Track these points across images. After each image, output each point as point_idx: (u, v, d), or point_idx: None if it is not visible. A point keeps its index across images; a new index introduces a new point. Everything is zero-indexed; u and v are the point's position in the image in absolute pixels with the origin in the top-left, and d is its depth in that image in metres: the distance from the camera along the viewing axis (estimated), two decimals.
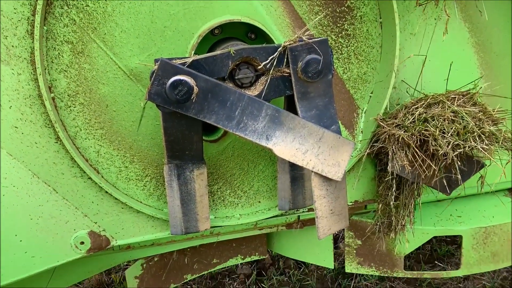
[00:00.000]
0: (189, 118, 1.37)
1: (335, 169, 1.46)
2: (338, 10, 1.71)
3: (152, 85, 1.28)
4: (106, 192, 1.62)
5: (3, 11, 1.35)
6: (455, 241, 3.64)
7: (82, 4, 1.42)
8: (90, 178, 1.59)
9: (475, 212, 2.11)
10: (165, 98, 1.29)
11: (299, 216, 2.00)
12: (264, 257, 2.24)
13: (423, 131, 1.56)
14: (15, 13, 1.36)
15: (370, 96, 1.86)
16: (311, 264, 3.48)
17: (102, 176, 1.63)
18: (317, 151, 1.42)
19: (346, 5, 1.71)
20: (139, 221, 1.72)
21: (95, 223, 1.67)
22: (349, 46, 1.77)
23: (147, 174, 1.69)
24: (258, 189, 1.84)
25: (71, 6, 1.41)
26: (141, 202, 1.71)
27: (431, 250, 3.60)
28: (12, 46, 1.39)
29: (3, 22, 1.36)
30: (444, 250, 3.56)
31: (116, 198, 1.65)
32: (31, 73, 1.43)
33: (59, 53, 1.45)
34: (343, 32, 1.74)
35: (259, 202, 1.86)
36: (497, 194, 2.15)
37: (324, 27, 1.72)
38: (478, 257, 2.10)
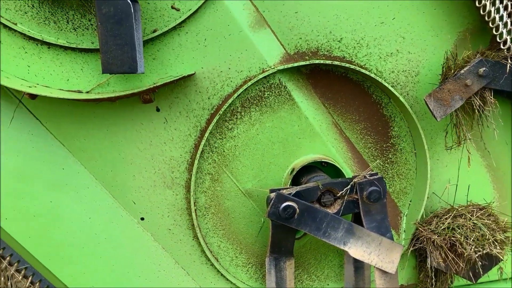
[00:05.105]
0: (290, 227, 2.04)
1: (390, 265, 2.07)
2: (384, 146, 2.43)
3: (270, 208, 1.97)
4: (221, 275, 2.27)
5: (173, 156, 2.13)
6: None
7: (221, 150, 2.19)
8: (212, 264, 2.25)
9: None
10: (278, 216, 1.98)
11: None
12: None
13: (451, 237, 2.17)
14: (180, 157, 2.14)
15: (409, 204, 2.50)
16: None
17: (220, 263, 2.28)
18: (378, 252, 2.05)
19: (390, 142, 2.43)
20: None
21: None
22: (393, 169, 2.46)
23: (250, 262, 2.34)
24: (327, 275, 2.45)
25: (214, 152, 2.18)
26: (244, 283, 2.34)
27: None
28: (176, 177, 2.15)
29: (171, 163, 2.13)
30: None
31: (227, 279, 2.28)
32: (184, 193, 2.17)
33: (203, 181, 2.19)
34: (388, 160, 2.45)
35: (328, 285, 2.46)
36: None
37: (375, 157, 2.43)
38: None
